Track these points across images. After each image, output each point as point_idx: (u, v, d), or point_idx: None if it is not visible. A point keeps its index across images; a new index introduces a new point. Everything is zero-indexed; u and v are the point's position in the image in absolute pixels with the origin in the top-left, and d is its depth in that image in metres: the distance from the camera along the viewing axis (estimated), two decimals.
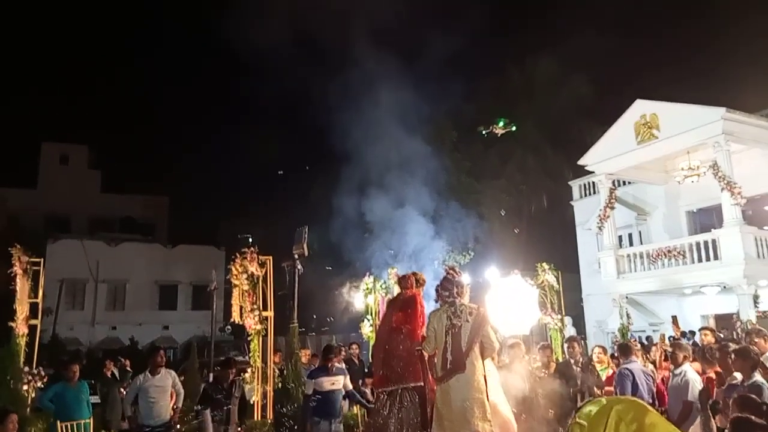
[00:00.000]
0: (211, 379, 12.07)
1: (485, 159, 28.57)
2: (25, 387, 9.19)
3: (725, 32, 29.58)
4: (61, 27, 57.71)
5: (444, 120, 25.93)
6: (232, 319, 9.57)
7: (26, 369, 9.37)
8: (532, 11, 41.23)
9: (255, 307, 9.05)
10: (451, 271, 5.40)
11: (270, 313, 9.43)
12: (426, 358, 5.34)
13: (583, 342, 9.99)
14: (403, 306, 5.83)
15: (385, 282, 11.87)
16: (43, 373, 9.53)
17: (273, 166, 42.70)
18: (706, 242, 15.08)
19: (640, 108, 16.42)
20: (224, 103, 61.81)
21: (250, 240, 27.89)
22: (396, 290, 11.72)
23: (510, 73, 30.17)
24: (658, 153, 16.21)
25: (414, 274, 6.09)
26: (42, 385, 9.19)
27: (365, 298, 11.96)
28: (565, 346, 9.18)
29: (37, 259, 10.18)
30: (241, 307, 9.19)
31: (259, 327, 9.06)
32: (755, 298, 13.86)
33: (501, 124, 24.33)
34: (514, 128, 24.81)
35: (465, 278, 5.62)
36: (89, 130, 46.93)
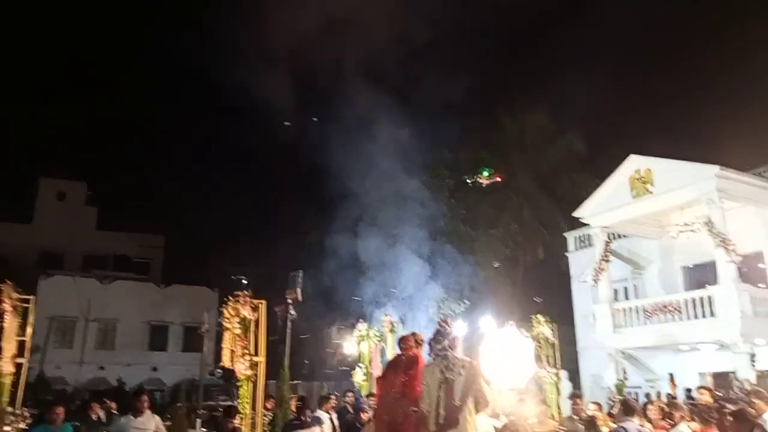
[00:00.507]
0: (198, 423, 11.83)
1: (481, 208, 28.71)
2: (8, 428, 8.95)
3: (720, 91, 30.31)
4: (60, 64, 58.73)
5: (440, 168, 26.27)
6: (222, 363, 9.43)
7: (9, 409, 9.15)
8: (529, 65, 42.27)
9: (246, 351, 8.92)
10: (443, 323, 5.36)
11: (261, 359, 9.30)
12: (422, 420, 5.21)
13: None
14: (406, 367, 5.76)
15: (378, 329, 11.80)
16: (26, 414, 9.31)
17: (270, 208, 42.88)
18: (701, 298, 14.99)
19: (635, 163, 16.60)
20: (222, 144, 62.48)
21: (245, 282, 27.71)
22: (389, 338, 11.70)
23: (506, 125, 30.66)
24: (653, 208, 16.32)
25: (413, 334, 6.07)
26: (25, 427, 8.97)
27: (358, 345, 11.86)
28: (569, 402, 9.05)
29: (28, 296, 10.07)
30: (231, 351, 9.06)
31: (249, 372, 8.92)
32: (752, 357, 13.71)
33: (486, 174, 24.74)
34: (498, 179, 25.18)
35: (459, 328, 5.59)
36: (87, 167, 47.12)
